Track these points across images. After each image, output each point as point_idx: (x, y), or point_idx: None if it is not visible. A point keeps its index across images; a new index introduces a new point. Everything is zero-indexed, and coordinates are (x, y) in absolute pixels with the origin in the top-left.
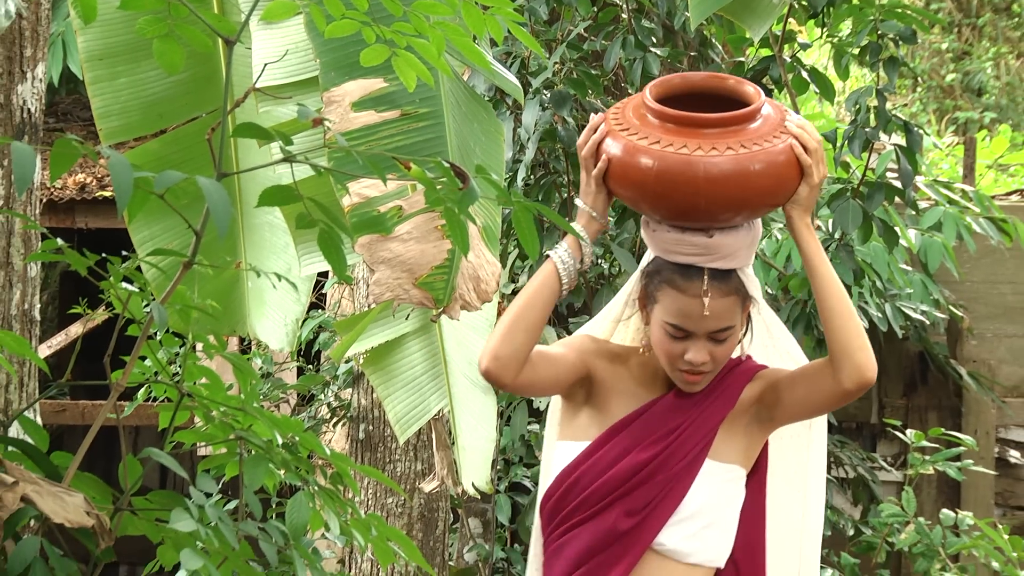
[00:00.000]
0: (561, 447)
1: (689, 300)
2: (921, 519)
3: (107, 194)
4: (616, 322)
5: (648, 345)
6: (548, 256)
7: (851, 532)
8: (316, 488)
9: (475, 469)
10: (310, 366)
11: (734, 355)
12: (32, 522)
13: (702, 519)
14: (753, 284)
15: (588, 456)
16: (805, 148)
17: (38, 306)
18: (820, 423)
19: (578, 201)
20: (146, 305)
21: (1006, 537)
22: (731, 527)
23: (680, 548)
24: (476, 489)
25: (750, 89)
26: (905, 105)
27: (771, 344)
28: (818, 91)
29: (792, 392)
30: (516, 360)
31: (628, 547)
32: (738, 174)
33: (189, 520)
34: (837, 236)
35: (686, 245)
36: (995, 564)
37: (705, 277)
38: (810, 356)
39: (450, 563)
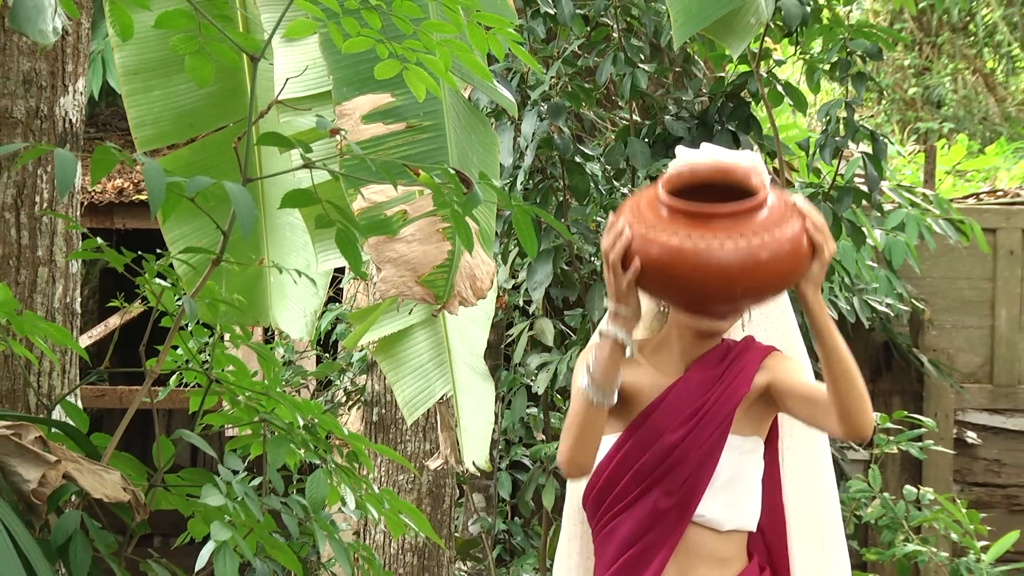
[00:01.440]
0: None
1: None
2: (886, 494)
3: (142, 197)
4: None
5: (668, 311)
6: (581, 376)
7: None
8: (334, 466)
9: (475, 449)
10: (327, 354)
11: (737, 336)
12: (73, 497)
13: (733, 489)
14: None
15: (620, 447)
16: (815, 225)
17: (79, 300)
18: None
19: (611, 304)
20: (178, 299)
21: (964, 511)
22: (757, 493)
23: (717, 517)
24: (476, 467)
25: (755, 180)
26: (871, 116)
27: (772, 327)
28: (792, 103)
29: (795, 406)
30: (590, 462)
31: (673, 524)
32: (748, 264)
33: (217, 495)
34: None
35: (731, 173)
36: (954, 536)
37: None
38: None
39: (456, 534)
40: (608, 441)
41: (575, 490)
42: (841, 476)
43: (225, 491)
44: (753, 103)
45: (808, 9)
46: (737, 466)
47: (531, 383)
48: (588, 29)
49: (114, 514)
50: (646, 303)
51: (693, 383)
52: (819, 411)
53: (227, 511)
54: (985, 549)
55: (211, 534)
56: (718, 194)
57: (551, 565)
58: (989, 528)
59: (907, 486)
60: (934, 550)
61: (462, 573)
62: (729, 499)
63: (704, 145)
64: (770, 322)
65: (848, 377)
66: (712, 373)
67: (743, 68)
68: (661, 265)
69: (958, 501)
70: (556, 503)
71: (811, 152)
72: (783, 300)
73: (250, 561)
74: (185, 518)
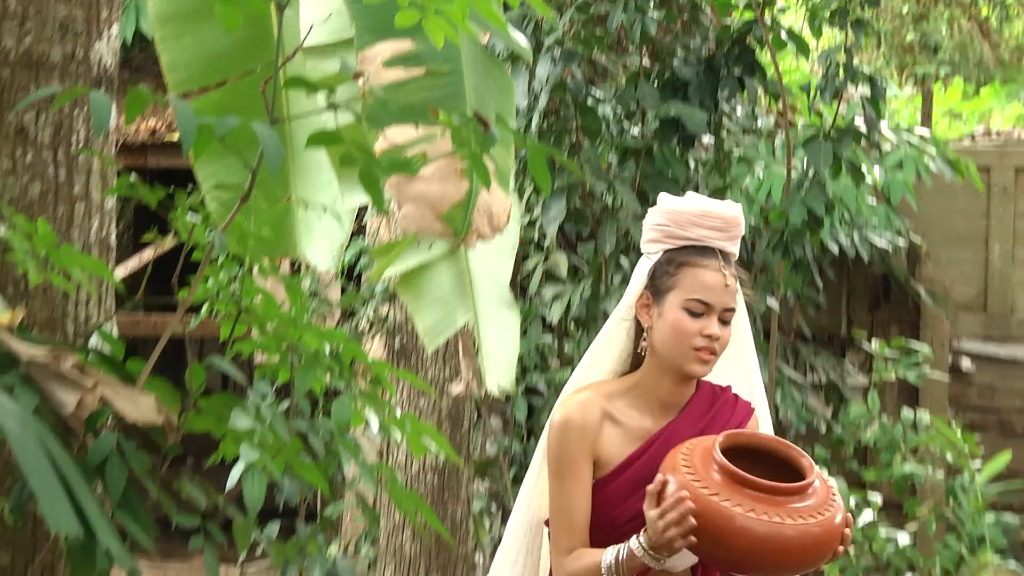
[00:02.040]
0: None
1: (712, 273)
2: (884, 418)
3: (174, 137)
4: (601, 357)
5: (651, 346)
6: (607, 555)
7: (824, 429)
8: (358, 390)
9: (499, 373)
10: (352, 286)
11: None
12: (109, 420)
13: None
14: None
15: (595, 496)
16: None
17: (114, 234)
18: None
19: (649, 547)
20: (208, 233)
21: (959, 434)
22: None
23: (679, 565)
24: (499, 391)
25: (806, 463)
26: (870, 61)
27: (733, 348)
28: (795, 48)
29: None
30: None
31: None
32: (805, 542)
33: (247, 418)
34: (811, 174)
35: (710, 218)
36: (949, 457)
37: (720, 255)
38: (786, 279)
39: (474, 456)
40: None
41: (528, 515)
42: (842, 401)
43: (254, 414)
44: (758, 49)
45: None
46: None
47: (545, 313)
48: None
49: (148, 436)
50: (622, 344)
51: (676, 440)
52: None
53: (256, 433)
54: (979, 470)
55: (241, 455)
56: (762, 457)
57: None
58: (983, 452)
59: (904, 409)
60: (930, 470)
61: (480, 492)
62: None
63: (690, 194)
64: (733, 357)
65: None
66: (697, 428)
67: (748, 15)
68: (710, 526)
69: (953, 424)
70: None
71: (812, 95)
72: (747, 339)
73: (277, 480)
74: (216, 440)
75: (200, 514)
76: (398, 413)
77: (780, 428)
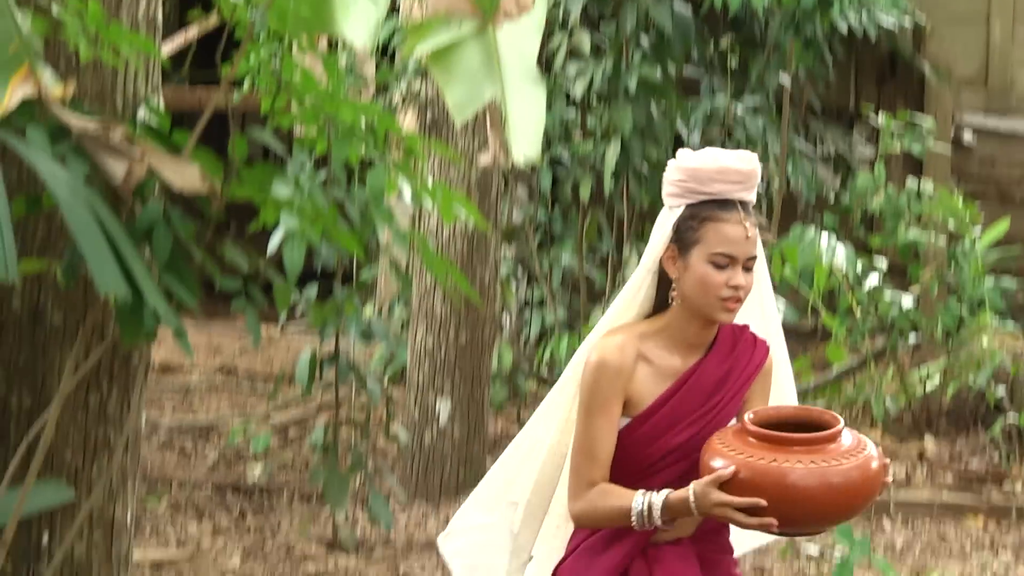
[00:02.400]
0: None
1: (733, 226)
2: (890, 187)
3: None
4: (632, 305)
5: (677, 295)
6: (638, 498)
7: (833, 199)
8: (391, 161)
9: (525, 144)
10: (386, 62)
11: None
12: (156, 189)
13: None
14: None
15: (622, 444)
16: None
17: (160, 13)
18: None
19: (692, 489)
20: (251, 11)
21: (960, 202)
22: None
23: None
24: (525, 162)
25: (829, 416)
26: None
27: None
28: None
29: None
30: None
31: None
32: (820, 485)
33: (287, 187)
34: None
35: (729, 174)
36: (950, 224)
37: (739, 205)
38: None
39: (501, 223)
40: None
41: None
42: (849, 171)
43: (293, 183)
44: None
45: None
46: None
47: (569, 89)
48: None
49: (193, 204)
50: (650, 291)
51: (704, 378)
52: None
53: (295, 201)
54: (979, 237)
55: (281, 222)
56: (789, 427)
57: (587, 248)
58: (983, 220)
59: (909, 179)
60: (933, 237)
61: (507, 257)
62: None
63: (708, 150)
64: (750, 296)
65: None
66: (722, 368)
67: None
68: (768, 488)
69: (955, 193)
70: (591, 195)
71: None
72: (764, 279)
73: (316, 246)
74: (257, 208)
75: (242, 277)
76: (429, 182)
77: (792, 198)
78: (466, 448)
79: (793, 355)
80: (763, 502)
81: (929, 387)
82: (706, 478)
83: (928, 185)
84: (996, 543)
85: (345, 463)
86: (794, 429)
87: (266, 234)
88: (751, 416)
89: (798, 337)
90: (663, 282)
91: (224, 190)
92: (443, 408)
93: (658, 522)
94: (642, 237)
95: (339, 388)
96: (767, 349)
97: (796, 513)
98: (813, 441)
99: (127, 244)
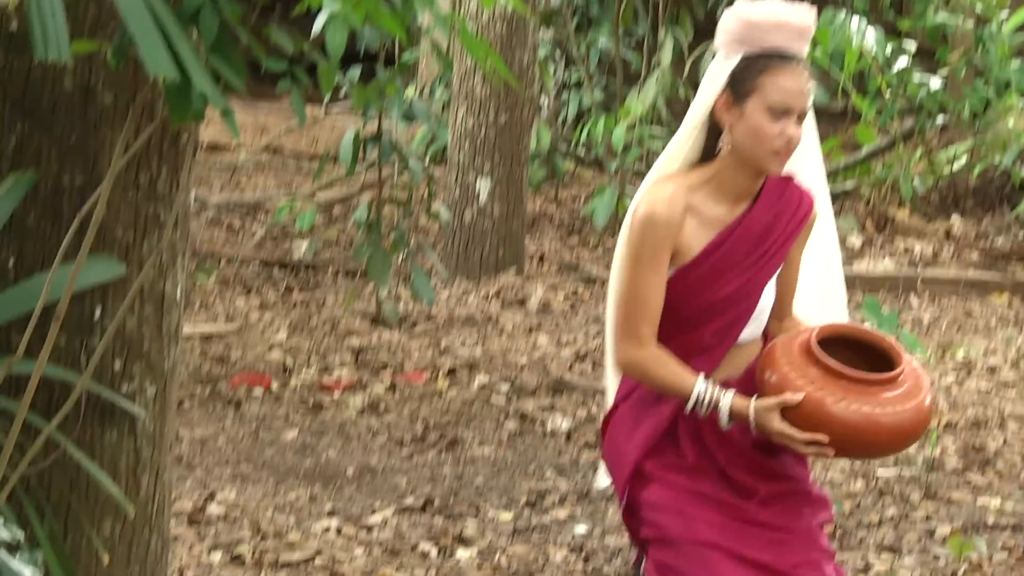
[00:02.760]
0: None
1: (790, 78)
2: None
3: None
4: (680, 154)
5: (728, 142)
6: (700, 383)
7: None
8: None
9: None
10: None
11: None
12: None
13: (763, 314)
14: None
15: (671, 291)
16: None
17: None
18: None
19: (753, 408)
20: None
21: None
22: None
23: (746, 338)
24: None
25: (896, 352)
26: None
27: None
28: None
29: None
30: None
31: (711, 356)
32: (875, 428)
33: None
34: None
35: (788, 27)
36: (978, 7)
37: (797, 57)
38: None
39: (539, 6)
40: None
41: None
42: None
43: None
44: None
45: None
46: (768, 296)
47: None
48: None
49: None
50: (700, 141)
51: (752, 227)
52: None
53: None
54: (1006, 20)
55: (324, 5)
56: (855, 347)
57: (623, 31)
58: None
59: None
60: (961, 20)
61: (545, 39)
62: (758, 324)
63: (767, 1)
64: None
65: None
66: (769, 217)
67: None
68: (810, 417)
69: None
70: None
71: None
72: (811, 131)
73: (358, 28)
74: None
75: (287, 59)
76: None
77: None
78: (505, 226)
79: (824, 136)
80: (825, 438)
81: (956, 167)
82: (770, 400)
83: None
84: (1020, 319)
85: (388, 241)
86: (856, 350)
87: (310, 17)
88: (818, 333)
89: (829, 118)
90: (712, 132)
91: None
92: (483, 187)
93: (723, 423)
94: (676, 21)
95: (382, 167)
96: (812, 200)
97: (852, 448)
98: (876, 382)
99: (174, 26)
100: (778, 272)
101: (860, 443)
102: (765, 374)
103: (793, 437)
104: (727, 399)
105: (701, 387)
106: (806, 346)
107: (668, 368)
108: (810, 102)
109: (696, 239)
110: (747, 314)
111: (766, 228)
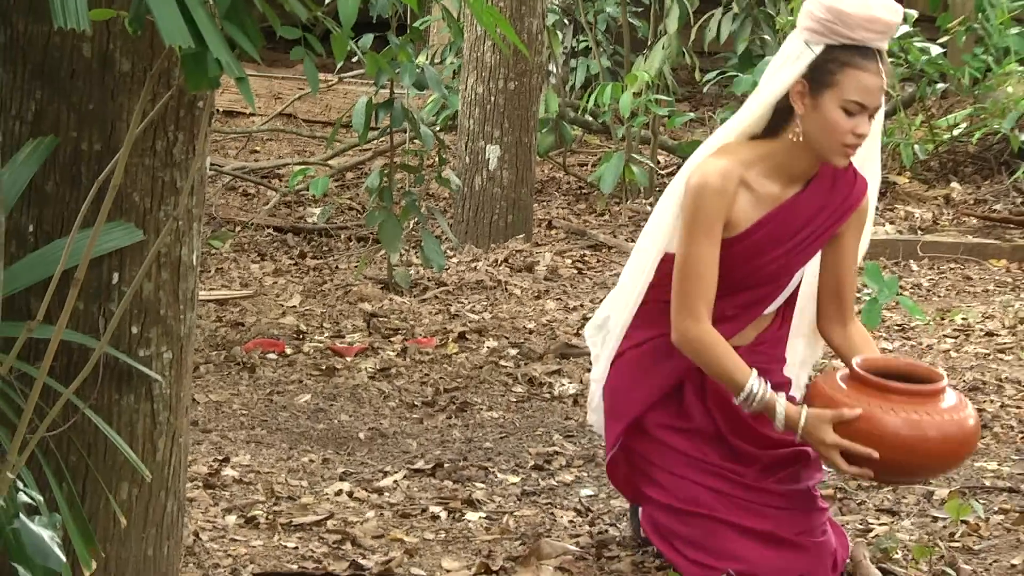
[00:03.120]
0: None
1: (871, 76)
2: None
3: None
4: (740, 127)
5: (799, 132)
6: (753, 379)
7: None
8: None
9: None
10: None
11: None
12: None
13: (792, 288)
14: None
15: (727, 249)
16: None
17: None
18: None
19: (805, 414)
20: None
21: None
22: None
23: (772, 309)
24: None
25: (936, 374)
26: None
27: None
28: None
29: (826, 266)
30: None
31: (732, 325)
32: (920, 437)
33: None
34: None
35: (877, 23)
36: None
37: (878, 56)
38: None
39: None
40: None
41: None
42: None
43: None
44: None
45: None
46: (800, 274)
47: None
48: None
49: None
50: (762, 118)
51: (801, 209)
52: (822, 297)
53: None
54: None
55: None
56: (896, 378)
57: None
58: None
59: None
60: None
61: (553, 6)
62: (782, 299)
63: None
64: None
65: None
66: (819, 201)
67: None
68: (863, 432)
69: None
70: None
71: None
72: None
73: None
74: None
75: (301, 26)
76: None
77: None
78: (514, 192)
79: None
80: (876, 454)
81: (956, 133)
82: (827, 411)
83: None
84: (1018, 284)
85: (399, 207)
86: (896, 380)
87: None
88: (860, 363)
89: None
90: (778, 111)
91: None
92: (492, 154)
93: (778, 426)
94: None
95: (393, 134)
96: (865, 187)
97: (894, 463)
98: (919, 393)
99: None
100: (824, 259)
101: (910, 455)
102: (814, 399)
103: (848, 448)
104: (781, 402)
105: (754, 383)
106: (850, 372)
107: (725, 354)
108: (882, 99)
109: (746, 214)
110: (778, 292)
111: (814, 212)
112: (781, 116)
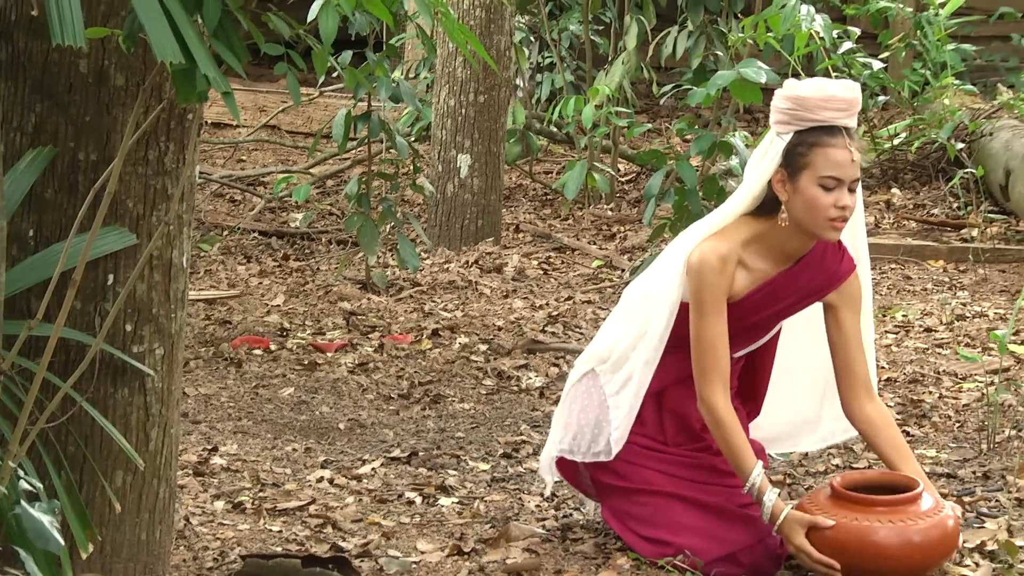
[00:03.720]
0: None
1: (840, 151)
2: None
3: None
4: (731, 216)
5: (786, 218)
6: (757, 471)
7: None
8: None
9: None
10: None
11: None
12: None
13: (765, 341)
14: None
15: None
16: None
17: None
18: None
19: (784, 514)
20: None
21: None
22: None
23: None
24: None
25: (912, 482)
26: None
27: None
28: None
29: (833, 344)
30: None
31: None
32: (904, 543)
33: None
34: None
35: (835, 102)
36: None
37: (845, 131)
38: None
39: None
40: None
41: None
42: None
43: None
44: None
45: None
46: (776, 328)
47: None
48: None
49: None
50: (749, 208)
51: (789, 282)
52: (837, 380)
53: None
54: (943, 5)
55: None
56: (875, 490)
57: (592, 18)
58: None
59: None
60: (901, 5)
61: (520, 24)
62: (757, 346)
63: (813, 80)
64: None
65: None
66: (807, 275)
67: None
68: (832, 540)
69: None
70: None
71: None
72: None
73: (349, 14)
74: None
75: (284, 43)
76: None
77: None
78: (484, 198)
79: None
80: (836, 565)
81: (896, 143)
82: (803, 516)
83: None
84: (954, 283)
85: (376, 212)
86: (878, 491)
87: (306, 3)
88: (839, 481)
89: None
90: (769, 194)
91: None
92: (463, 162)
93: (764, 518)
94: (640, 7)
95: (371, 144)
96: (853, 265)
97: (888, 571)
98: (896, 503)
99: (180, 13)
100: (831, 341)
101: (886, 561)
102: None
103: (810, 554)
104: (771, 497)
105: (757, 475)
106: (832, 492)
107: (737, 438)
108: (859, 174)
109: (740, 288)
110: (751, 342)
111: (803, 283)
112: (772, 202)
